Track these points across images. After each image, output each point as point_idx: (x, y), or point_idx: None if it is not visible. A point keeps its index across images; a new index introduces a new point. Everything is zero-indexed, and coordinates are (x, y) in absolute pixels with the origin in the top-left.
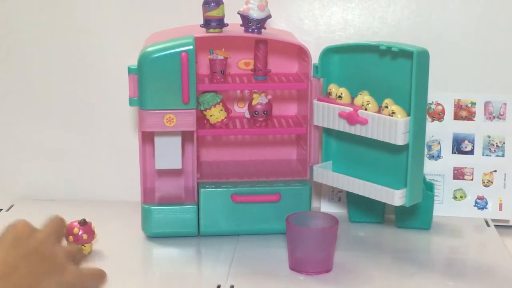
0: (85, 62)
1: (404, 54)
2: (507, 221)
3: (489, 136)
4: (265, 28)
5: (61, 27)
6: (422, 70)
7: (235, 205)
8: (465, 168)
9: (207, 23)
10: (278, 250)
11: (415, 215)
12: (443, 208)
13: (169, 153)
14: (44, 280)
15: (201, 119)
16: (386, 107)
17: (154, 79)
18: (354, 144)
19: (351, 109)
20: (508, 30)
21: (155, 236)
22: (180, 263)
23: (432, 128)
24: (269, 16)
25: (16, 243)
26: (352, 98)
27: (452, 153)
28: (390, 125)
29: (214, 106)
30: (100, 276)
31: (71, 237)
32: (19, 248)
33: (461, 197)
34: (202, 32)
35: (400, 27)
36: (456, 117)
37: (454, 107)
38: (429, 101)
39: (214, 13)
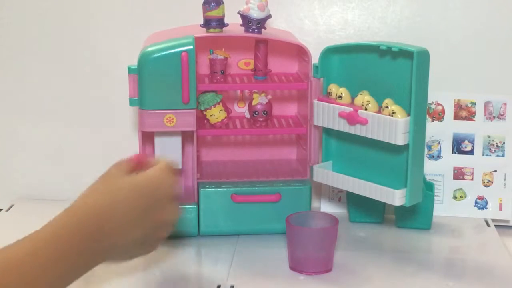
0: (85, 62)
1: (404, 54)
2: (507, 221)
3: (489, 136)
4: (265, 28)
5: (61, 27)
6: (422, 70)
7: (235, 205)
8: (465, 168)
9: (207, 23)
10: (278, 250)
11: (415, 215)
12: (443, 208)
13: (169, 153)
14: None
15: (201, 119)
16: (386, 107)
17: (154, 79)
18: (354, 144)
19: (351, 109)
20: (508, 30)
21: None
22: (180, 263)
23: (432, 128)
24: (269, 16)
25: (158, 186)
26: (352, 98)
27: (452, 153)
28: (390, 125)
29: (214, 106)
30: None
31: None
32: (157, 191)
33: (461, 197)
34: (202, 32)
35: (400, 27)
36: (456, 117)
37: (454, 107)
38: (429, 101)
39: (214, 13)
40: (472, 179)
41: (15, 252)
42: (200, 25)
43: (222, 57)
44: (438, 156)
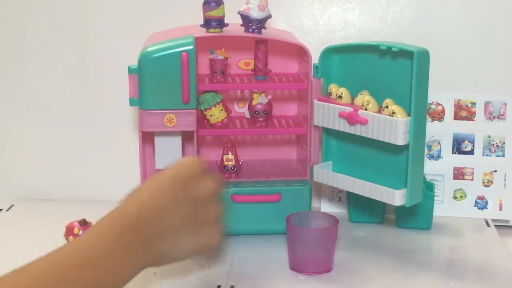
0: (85, 62)
1: (404, 54)
2: (507, 221)
3: (489, 136)
4: (265, 28)
5: (61, 27)
6: (422, 70)
7: (235, 205)
8: (465, 168)
9: (207, 23)
10: (278, 250)
11: (415, 215)
12: (443, 208)
13: (169, 153)
14: (186, 234)
15: (201, 119)
16: (387, 107)
17: (154, 79)
18: (354, 144)
19: (351, 109)
20: (508, 30)
21: None
22: (180, 263)
23: (432, 128)
24: (269, 16)
25: (180, 183)
26: (352, 98)
27: (452, 153)
28: (390, 125)
29: (214, 106)
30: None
31: (71, 237)
32: (180, 190)
33: (461, 197)
34: (202, 32)
35: (400, 27)
36: (456, 117)
37: (454, 107)
38: (429, 101)
39: (214, 13)
40: (472, 179)
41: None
42: (200, 25)
43: (222, 57)
44: (438, 156)
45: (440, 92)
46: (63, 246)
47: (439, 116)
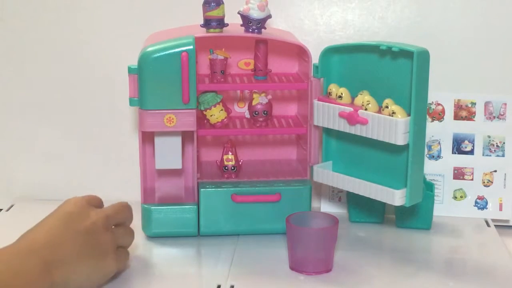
0: (85, 62)
1: (404, 54)
2: (507, 221)
3: (489, 136)
4: (265, 28)
5: (61, 27)
6: (422, 70)
7: (235, 205)
8: (465, 168)
9: (207, 23)
10: (278, 250)
11: (415, 215)
12: (443, 208)
13: (169, 153)
14: (84, 261)
15: (201, 119)
16: (387, 107)
17: (154, 79)
18: (354, 144)
19: (351, 109)
20: (508, 30)
21: (155, 236)
22: (180, 263)
23: (432, 128)
24: (269, 16)
25: (69, 219)
26: (352, 98)
27: (452, 153)
28: (390, 125)
29: (214, 106)
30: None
31: None
32: (71, 224)
33: (461, 197)
34: (202, 32)
35: (400, 27)
36: (456, 117)
37: (454, 107)
38: (429, 101)
39: (214, 13)
40: (472, 179)
41: None
42: (200, 25)
43: (222, 57)
44: (438, 156)
45: (440, 92)
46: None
47: (439, 116)
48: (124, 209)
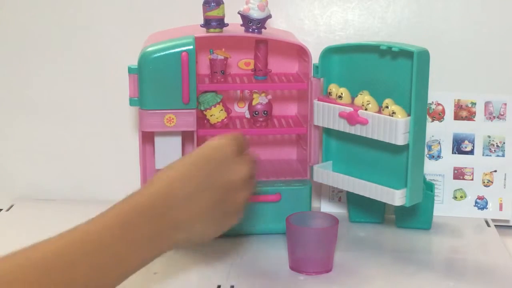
0: (85, 62)
1: (405, 54)
2: (507, 221)
3: (489, 136)
4: (265, 28)
5: (61, 27)
6: (423, 70)
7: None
8: (465, 168)
9: (207, 23)
10: (278, 250)
11: (415, 215)
12: (443, 208)
13: (169, 153)
14: (213, 219)
15: (201, 119)
16: (387, 107)
17: (154, 79)
18: (354, 144)
19: (351, 109)
20: (508, 30)
21: None
22: (180, 263)
23: (432, 128)
24: (269, 16)
25: (213, 168)
26: (353, 98)
27: (452, 153)
28: (390, 125)
29: (214, 106)
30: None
31: None
32: (213, 175)
33: (461, 197)
34: (202, 32)
35: (400, 27)
36: (456, 117)
37: (454, 107)
38: (429, 101)
39: (214, 13)
40: (472, 179)
41: (84, 234)
42: (200, 25)
43: (222, 57)
44: (438, 156)
45: (440, 92)
46: (74, 228)
47: (439, 116)
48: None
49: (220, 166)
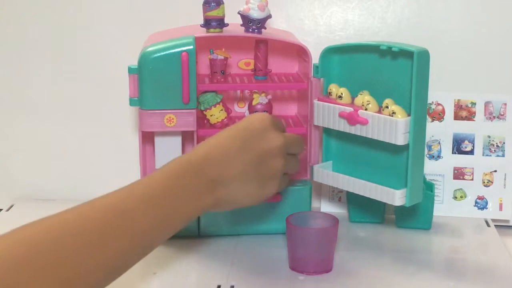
0: (85, 62)
1: (405, 54)
2: (507, 221)
3: (489, 136)
4: (265, 28)
5: (61, 27)
6: (423, 70)
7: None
8: (465, 168)
9: (207, 23)
10: (278, 250)
11: (415, 215)
12: (443, 208)
13: (169, 153)
14: (250, 182)
15: (201, 119)
16: (387, 107)
17: (154, 79)
18: (354, 144)
19: (351, 109)
20: (508, 30)
21: None
22: (180, 263)
23: (432, 128)
24: (269, 16)
25: (249, 136)
26: (353, 98)
27: (452, 153)
28: (390, 125)
29: (214, 106)
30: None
31: None
32: (248, 142)
33: (461, 197)
34: (202, 32)
35: (400, 27)
36: (456, 117)
37: (454, 107)
38: (429, 101)
39: (214, 13)
40: (472, 179)
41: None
42: (200, 25)
43: (222, 57)
44: (438, 156)
45: (440, 92)
46: (132, 183)
47: (439, 116)
48: (301, 142)
49: (256, 133)
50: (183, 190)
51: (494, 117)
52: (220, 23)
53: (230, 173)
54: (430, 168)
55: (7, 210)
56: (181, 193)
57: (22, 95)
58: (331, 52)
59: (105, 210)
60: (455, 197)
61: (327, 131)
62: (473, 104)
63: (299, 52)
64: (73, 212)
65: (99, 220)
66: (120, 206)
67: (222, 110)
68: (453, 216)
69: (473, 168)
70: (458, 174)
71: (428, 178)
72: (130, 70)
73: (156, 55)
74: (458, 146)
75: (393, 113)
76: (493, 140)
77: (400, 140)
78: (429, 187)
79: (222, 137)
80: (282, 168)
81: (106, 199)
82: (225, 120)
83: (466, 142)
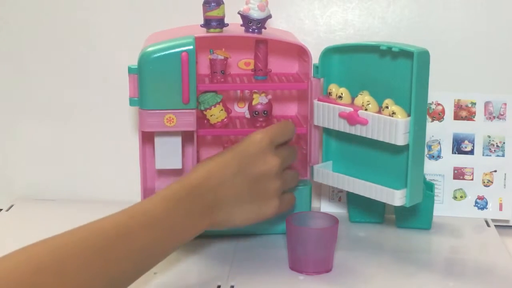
0: (85, 62)
1: (405, 54)
2: (507, 221)
3: (489, 136)
4: (265, 28)
5: (61, 27)
6: (423, 70)
7: None
8: (465, 168)
9: (207, 23)
10: (278, 250)
11: (415, 215)
12: (443, 208)
13: (169, 153)
14: (247, 205)
15: (201, 119)
16: (387, 107)
17: (154, 79)
18: (354, 144)
19: (351, 109)
20: (508, 30)
21: None
22: (180, 263)
23: (432, 128)
24: (269, 16)
25: (246, 160)
26: (353, 98)
27: (452, 153)
28: (390, 125)
29: (214, 106)
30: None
31: None
32: (245, 166)
33: (461, 197)
34: (202, 32)
35: (400, 27)
36: (456, 117)
37: (454, 107)
38: (429, 101)
39: (214, 13)
40: (472, 179)
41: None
42: (200, 25)
43: (222, 57)
44: (438, 156)
45: (440, 92)
46: (131, 206)
47: (439, 116)
48: (294, 152)
49: (252, 157)
50: (181, 213)
51: (494, 117)
52: (220, 23)
53: (226, 197)
54: (430, 168)
55: (7, 210)
56: (179, 217)
57: (22, 95)
58: (331, 52)
59: (108, 233)
60: (455, 197)
61: (327, 131)
62: (473, 104)
63: (299, 52)
64: (76, 234)
65: (101, 242)
66: (122, 229)
67: (222, 110)
68: (453, 216)
69: (473, 168)
70: (458, 174)
71: (428, 178)
72: (130, 70)
73: (156, 55)
74: (458, 146)
75: (393, 113)
76: (493, 140)
77: (400, 140)
78: (429, 187)
79: (219, 161)
80: (279, 188)
81: (108, 222)
82: (225, 120)
83: (466, 142)
